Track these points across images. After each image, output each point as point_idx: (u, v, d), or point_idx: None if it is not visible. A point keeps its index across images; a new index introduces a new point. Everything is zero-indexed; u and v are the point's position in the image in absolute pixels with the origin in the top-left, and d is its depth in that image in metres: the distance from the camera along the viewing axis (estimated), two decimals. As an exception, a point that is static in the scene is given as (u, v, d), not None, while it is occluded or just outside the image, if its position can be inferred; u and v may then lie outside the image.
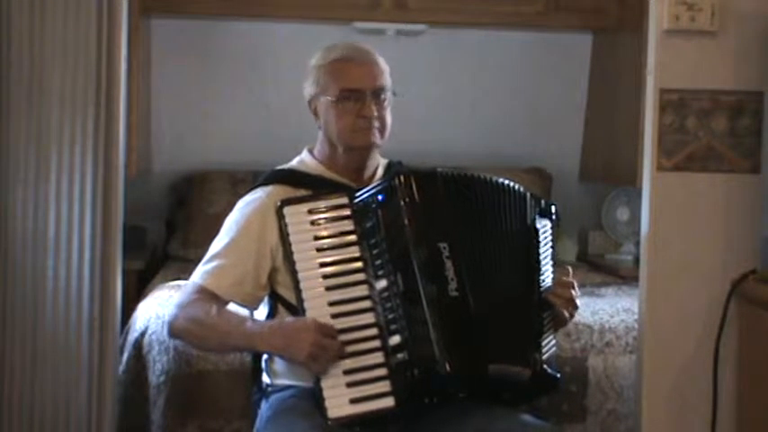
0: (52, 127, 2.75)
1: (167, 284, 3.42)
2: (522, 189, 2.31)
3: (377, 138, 2.33)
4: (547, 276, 2.30)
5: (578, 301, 2.32)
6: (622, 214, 4.26)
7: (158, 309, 3.05)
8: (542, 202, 2.34)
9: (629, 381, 2.99)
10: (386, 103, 2.35)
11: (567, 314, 2.29)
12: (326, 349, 2.11)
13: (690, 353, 2.59)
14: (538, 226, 2.30)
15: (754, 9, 2.56)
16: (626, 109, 3.94)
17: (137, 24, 3.62)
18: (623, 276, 3.86)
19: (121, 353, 2.97)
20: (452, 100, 4.37)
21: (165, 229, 4.23)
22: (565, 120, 4.46)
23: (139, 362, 2.94)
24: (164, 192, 4.28)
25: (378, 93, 2.32)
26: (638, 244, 3.11)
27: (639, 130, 2.87)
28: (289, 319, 2.23)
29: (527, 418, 2.22)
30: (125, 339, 3.01)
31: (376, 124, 2.32)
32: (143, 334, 2.96)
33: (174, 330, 2.30)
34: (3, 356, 2.77)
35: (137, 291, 3.60)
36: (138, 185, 3.79)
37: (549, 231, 2.35)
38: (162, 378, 2.88)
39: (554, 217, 2.37)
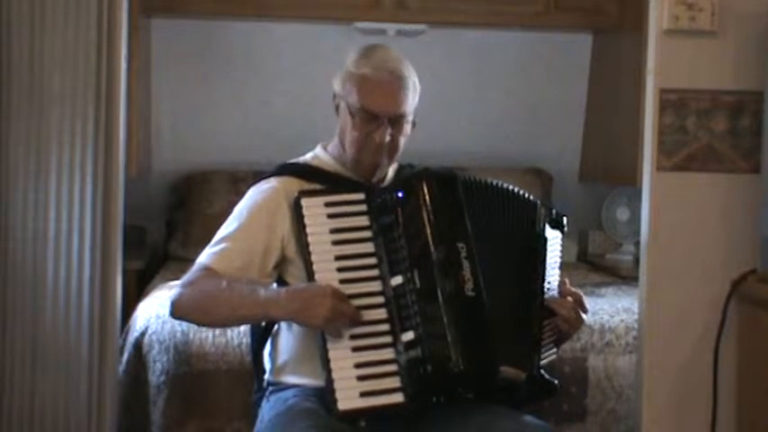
0: (52, 127, 2.76)
1: (167, 284, 3.41)
2: (533, 198, 2.33)
3: (383, 159, 2.33)
4: (553, 286, 2.31)
5: (584, 317, 2.32)
6: (622, 214, 4.26)
7: (158, 309, 3.05)
8: (553, 212, 2.36)
9: (629, 381, 2.99)
10: (404, 126, 2.32)
11: (567, 326, 2.29)
12: (344, 314, 2.11)
13: (690, 353, 2.59)
14: (547, 236, 2.32)
15: (754, 9, 2.56)
16: (626, 109, 3.94)
17: (137, 24, 3.62)
18: (623, 276, 3.86)
19: (121, 353, 2.97)
20: (452, 100, 4.36)
21: (165, 229, 4.23)
22: (565, 120, 4.46)
23: (139, 362, 2.94)
24: (164, 192, 4.28)
25: (397, 119, 2.30)
26: (638, 244, 3.11)
27: (639, 130, 2.86)
28: (302, 284, 2.21)
29: (528, 418, 2.22)
30: (125, 339, 3.01)
31: (386, 148, 2.31)
32: (143, 334, 2.96)
33: (178, 307, 2.23)
34: (3, 356, 2.77)
35: (137, 291, 3.60)
36: (138, 185, 3.78)
37: (559, 243, 2.38)
38: (162, 378, 2.88)
39: (565, 229, 2.39)
